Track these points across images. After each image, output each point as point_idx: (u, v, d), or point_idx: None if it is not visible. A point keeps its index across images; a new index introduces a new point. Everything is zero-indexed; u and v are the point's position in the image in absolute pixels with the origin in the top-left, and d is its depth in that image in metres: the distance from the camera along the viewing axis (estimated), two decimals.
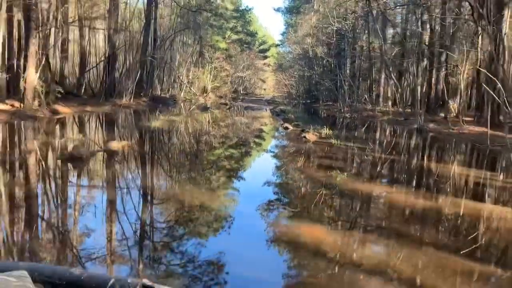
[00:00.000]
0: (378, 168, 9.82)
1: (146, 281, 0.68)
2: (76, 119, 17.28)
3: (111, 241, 4.25)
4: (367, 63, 38.33)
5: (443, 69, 26.52)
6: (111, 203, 5.81)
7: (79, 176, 7.55)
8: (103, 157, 9.17)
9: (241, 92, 61.29)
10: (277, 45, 68.66)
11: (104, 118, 18.53)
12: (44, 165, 8.22)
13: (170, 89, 38.45)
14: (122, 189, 6.69)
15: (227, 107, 31.96)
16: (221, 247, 4.22)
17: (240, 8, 56.82)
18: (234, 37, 58.31)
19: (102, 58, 27.82)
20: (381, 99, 33.80)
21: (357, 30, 36.61)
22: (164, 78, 38.07)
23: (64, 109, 18.89)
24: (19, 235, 4.36)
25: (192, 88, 41.10)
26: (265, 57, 74.80)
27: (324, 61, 40.60)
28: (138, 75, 28.23)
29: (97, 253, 3.86)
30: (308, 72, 45.07)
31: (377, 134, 17.93)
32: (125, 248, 4.05)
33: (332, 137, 14.64)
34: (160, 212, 5.62)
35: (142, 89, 29.20)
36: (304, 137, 13.99)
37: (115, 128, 15.05)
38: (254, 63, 64.32)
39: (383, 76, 34.37)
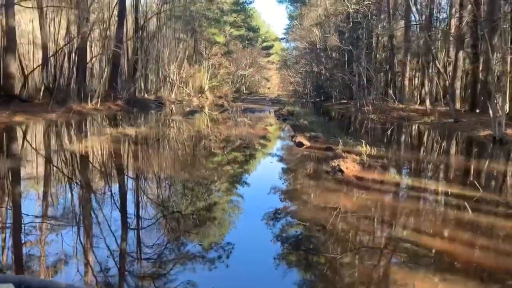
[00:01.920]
0: None
1: None
2: None
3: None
4: (387, 53, 31.32)
5: (495, 56, 19.53)
6: None
7: None
8: None
9: (244, 91, 54.39)
10: (281, 39, 61.66)
11: (17, 134, 11.74)
12: None
13: (161, 89, 31.66)
14: None
15: (223, 109, 25.10)
16: None
17: (240, 1, 49.77)
18: (235, 33, 51.38)
19: (61, 53, 20.92)
20: (406, 96, 26.81)
21: (374, 17, 29.54)
22: (152, 77, 31.29)
23: None
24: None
25: (185, 88, 34.30)
26: (269, 55, 67.79)
27: (336, 53, 33.57)
28: (107, 72, 21.47)
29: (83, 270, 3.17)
30: (317, 67, 38.09)
31: (447, 153, 10.82)
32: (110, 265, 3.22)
33: (383, 163, 7.77)
34: None
35: (114, 90, 22.41)
36: (338, 167, 7.08)
37: None
38: (257, 60, 57.37)
39: (407, 68, 27.29)
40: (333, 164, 7.36)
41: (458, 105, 21.66)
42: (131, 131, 11.59)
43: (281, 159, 9.05)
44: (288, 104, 29.33)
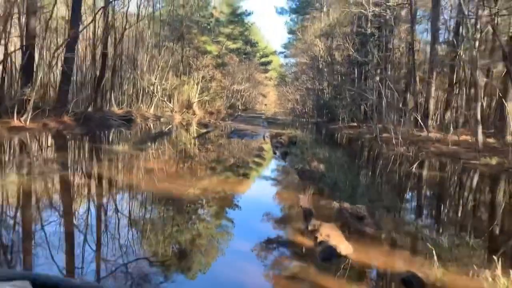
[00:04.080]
0: None
1: None
2: None
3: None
4: (400, 71, 25.43)
5: None
6: None
7: None
8: None
9: (239, 107, 48.22)
10: (280, 53, 56.04)
11: None
12: None
13: (139, 102, 25.45)
14: None
15: (205, 131, 18.84)
16: None
17: (238, 12, 43.95)
18: (232, 46, 45.44)
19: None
20: (430, 121, 20.75)
21: (392, 25, 23.64)
22: (126, 87, 25.11)
23: None
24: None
25: (169, 102, 28.15)
26: (266, 71, 61.90)
27: (344, 68, 27.59)
28: (52, 75, 15.30)
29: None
30: (319, 84, 32.04)
31: None
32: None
33: None
34: None
35: (64, 101, 16.18)
36: None
37: None
38: (254, 75, 51.37)
39: (433, 87, 21.21)
40: None
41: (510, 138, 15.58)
42: None
43: None
44: (287, 125, 23.17)
